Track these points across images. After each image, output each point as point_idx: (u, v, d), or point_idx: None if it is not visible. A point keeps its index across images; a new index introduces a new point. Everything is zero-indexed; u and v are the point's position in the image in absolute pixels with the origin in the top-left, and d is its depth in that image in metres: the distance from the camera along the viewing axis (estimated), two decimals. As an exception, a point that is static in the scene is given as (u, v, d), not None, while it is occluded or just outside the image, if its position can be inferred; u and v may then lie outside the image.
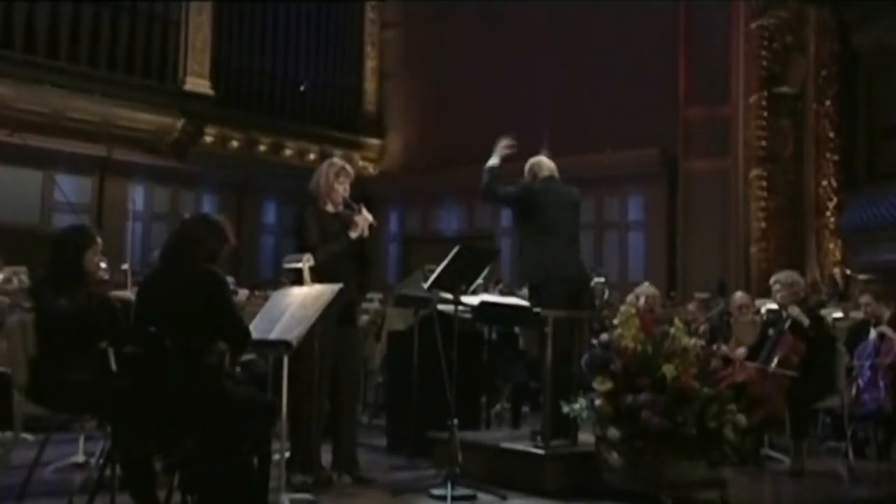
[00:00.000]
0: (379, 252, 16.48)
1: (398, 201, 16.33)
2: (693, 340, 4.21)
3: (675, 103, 13.35)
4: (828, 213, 12.91)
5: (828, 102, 13.11)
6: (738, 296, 6.93)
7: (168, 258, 3.20)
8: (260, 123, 15.53)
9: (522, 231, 5.09)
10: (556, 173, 5.23)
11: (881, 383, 5.97)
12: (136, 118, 13.98)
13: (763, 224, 12.77)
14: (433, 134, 15.89)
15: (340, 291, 3.76)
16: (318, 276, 4.13)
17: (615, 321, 4.39)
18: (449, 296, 4.80)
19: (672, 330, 4.37)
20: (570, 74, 14.10)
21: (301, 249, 4.42)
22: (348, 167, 4.54)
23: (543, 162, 5.30)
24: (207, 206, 15.25)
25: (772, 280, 5.82)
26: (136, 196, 14.56)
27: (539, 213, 4.94)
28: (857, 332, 6.41)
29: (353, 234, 4.41)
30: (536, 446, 4.40)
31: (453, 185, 15.29)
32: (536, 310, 4.45)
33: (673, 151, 13.42)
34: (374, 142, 17.14)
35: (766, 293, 12.25)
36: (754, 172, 12.84)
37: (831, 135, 13.10)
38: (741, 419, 4.15)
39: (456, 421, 4.28)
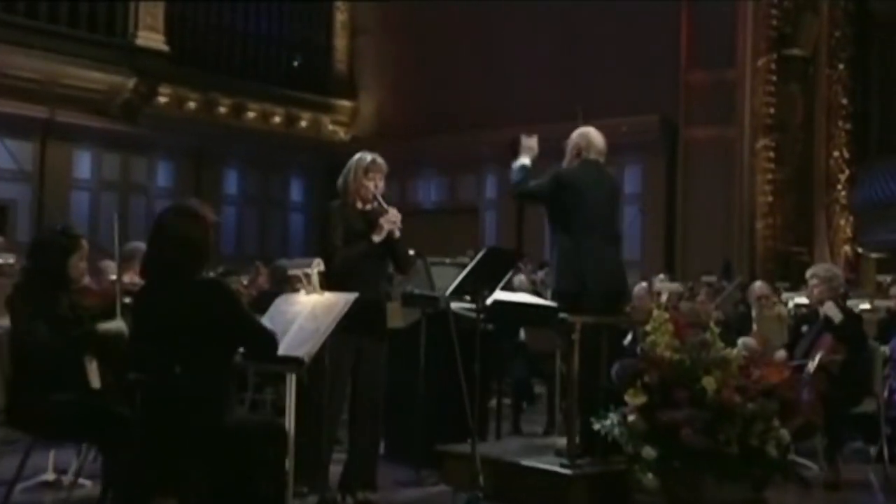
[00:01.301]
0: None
1: (372, 170, 16.15)
2: (735, 350, 4.17)
3: (676, 66, 13.30)
4: (839, 187, 13.00)
5: (841, 67, 13.14)
6: (758, 286, 6.90)
7: (159, 269, 3.05)
8: (219, 83, 15.23)
9: (556, 228, 4.64)
10: (604, 154, 4.75)
11: (915, 383, 5.99)
12: (81, 76, 13.60)
13: (770, 198, 12.83)
14: (411, 96, 15.68)
15: (355, 302, 3.65)
16: (338, 281, 4.03)
17: (647, 327, 4.32)
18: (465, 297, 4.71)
19: (708, 335, 4.32)
20: (562, 35, 13.94)
21: (323, 251, 4.31)
22: (379, 160, 4.42)
23: (593, 138, 4.73)
24: (161, 173, 14.98)
25: (808, 273, 5.78)
26: (82, 163, 14.29)
27: (574, 207, 4.53)
28: (889, 325, 6.43)
29: (377, 238, 4.30)
30: (562, 465, 4.34)
31: (433, 154, 15.17)
32: (563, 315, 4.35)
33: (673, 119, 13.40)
34: (345, 104, 16.91)
35: (771, 275, 12.44)
36: (761, 142, 12.86)
37: (844, 101, 13.16)
38: (785, 435, 4.13)
39: (473, 436, 4.21)
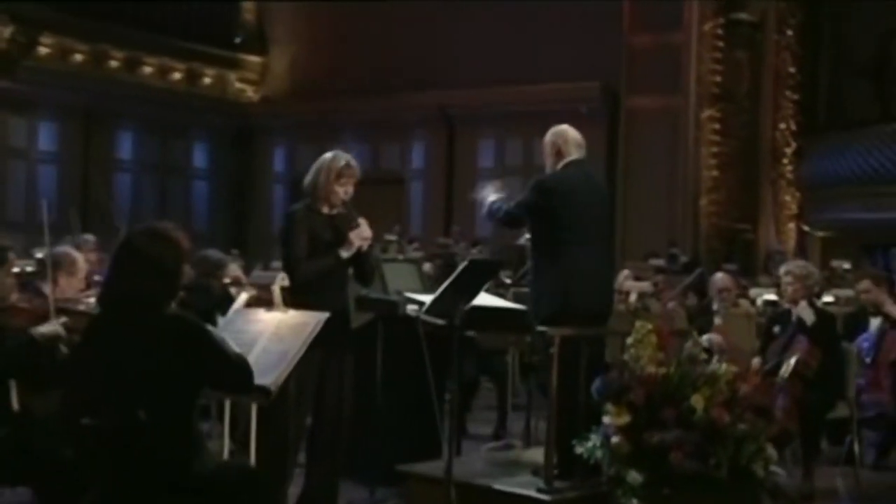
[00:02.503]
0: (262, 197, 16.07)
1: (285, 134, 15.89)
2: (724, 366, 4.24)
3: (618, 29, 13.39)
4: (785, 161, 13.41)
5: (789, 33, 13.49)
6: (720, 278, 6.99)
7: (127, 299, 2.91)
8: (110, 33, 14.69)
9: (540, 241, 4.57)
10: (583, 150, 4.72)
11: (884, 383, 6.22)
12: (-52, 24, 12.92)
13: (715, 172, 13.14)
14: (329, 52, 15.37)
15: (327, 322, 3.58)
16: (302, 294, 3.96)
17: (629, 340, 4.35)
18: (422, 299, 4.67)
19: (691, 346, 4.39)
20: (498, -9, 13.89)
21: (285, 261, 4.25)
22: (353, 163, 4.36)
23: (569, 133, 4.70)
24: (44, 136, 14.41)
25: (782, 270, 5.90)
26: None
27: (563, 215, 4.45)
28: (854, 322, 6.64)
29: (345, 254, 4.26)
30: (539, 489, 4.36)
31: (354, 118, 14.99)
32: (541, 329, 4.35)
33: (615, 86, 13.52)
34: (254, 60, 16.55)
35: (716, 254, 12.78)
36: (707, 112, 13.14)
37: (791, 70, 13.53)
38: (773, 454, 4.23)
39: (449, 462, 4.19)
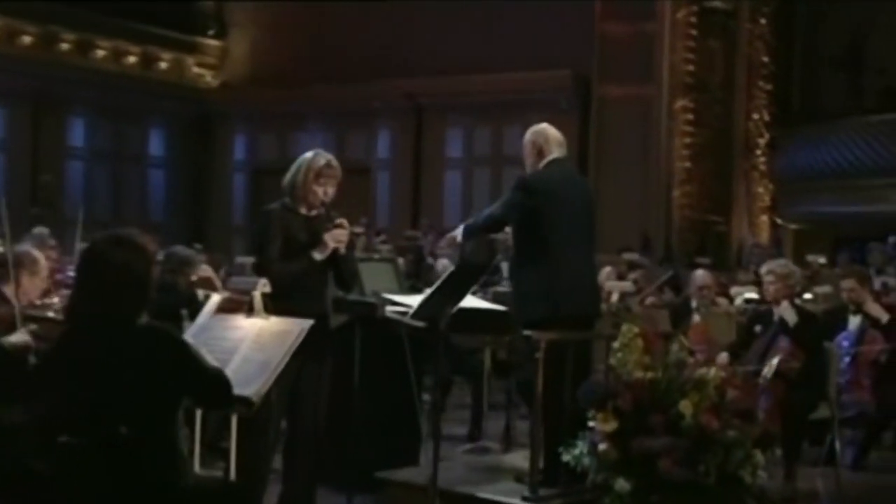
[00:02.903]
0: (222, 186, 15.93)
1: (246, 121, 15.76)
2: (712, 370, 4.29)
3: (590, 17, 13.43)
4: (758, 152, 13.55)
5: (763, 22, 13.62)
6: (700, 275, 7.07)
7: (96, 310, 2.86)
8: (61, 15, 14.43)
9: (521, 240, 4.59)
10: (564, 148, 4.73)
11: (864, 382, 6.33)
12: None
13: (688, 164, 13.25)
14: (292, 37, 15.25)
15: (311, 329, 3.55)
16: (279, 295, 3.94)
17: (615, 344, 4.39)
18: (401, 301, 4.67)
19: (676, 349, 4.43)
20: (469, -22, 13.87)
21: (257, 263, 4.19)
22: (335, 163, 4.34)
23: (549, 132, 4.71)
24: (-9, 122, 14.15)
25: (763, 269, 5.97)
26: None
27: (548, 216, 4.47)
28: (834, 319, 6.73)
29: (319, 256, 4.23)
30: (524, 497, 4.39)
31: (318, 105, 14.91)
32: (527, 333, 4.36)
33: (587, 74, 13.57)
34: (214, 43, 16.38)
35: (689, 246, 12.90)
36: (680, 103, 13.23)
37: (765, 59, 13.67)
38: (760, 459, 4.29)
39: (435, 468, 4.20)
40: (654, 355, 4.39)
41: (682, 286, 8.44)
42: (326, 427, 4.68)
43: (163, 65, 15.87)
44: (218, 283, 6.02)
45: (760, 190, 13.58)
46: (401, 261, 7.83)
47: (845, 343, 6.45)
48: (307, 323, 3.58)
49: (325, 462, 5.09)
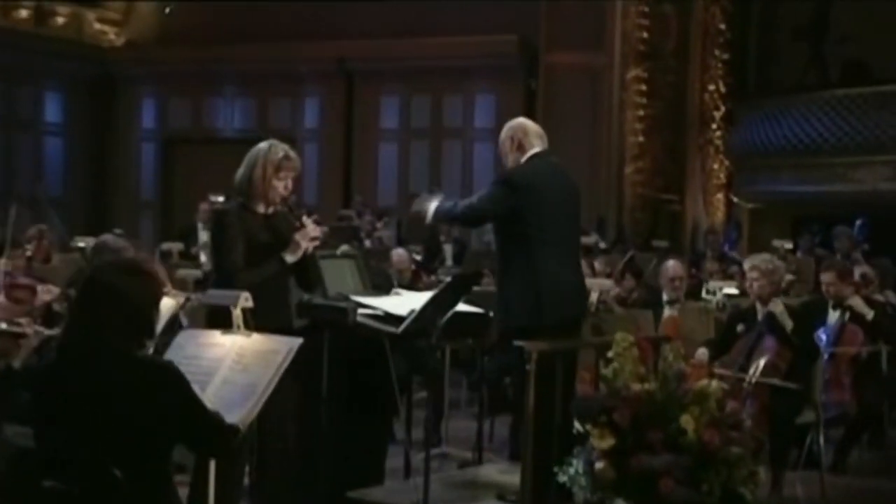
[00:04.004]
0: (127, 156, 15.59)
1: (154, 84, 15.43)
2: (714, 382, 4.36)
3: (538, -24, 13.47)
4: (714, 126, 13.79)
5: (720, -16, 13.84)
6: (672, 265, 7.16)
7: (94, 341, 2.80)
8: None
9: (504, 240, 4.65)
10: (545, 141, 4.79)
11: (844, 381, 6.54)
12: None
13: (640, 138, 13.41)
14: (207, -9, 14.94)
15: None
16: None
17: (609, 353, 4.43)
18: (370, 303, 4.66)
19: (671, 357, 4.50)
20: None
21: (218, 269, 4.14)
22: (293, 154, 4.31)
23: (529, 127, 4.82)
24: None
25: (746, 265, 6.09)
26: None
27: (531, 214, 4.54)
28: (811, 315, 6.92)
29: (291, 259, 4.19)
30: (511, 519, 4.43)
31: (237, 68, 14.69)
32: (519, 343, 4.38)
33: (534, 41, 13.60)
34: (117, -2, 15.94)
35: (641, 226, 13.08)
36: (632, 72, 13.38)
37: (722, 27, 13.88)
38: (762, 476, 4.41)
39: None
40: (647, 364, 4.46)
41: (640, 272, 8.57)
42: (295, 444, 4.66)
43: (59, 20, 15.38)
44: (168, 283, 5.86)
45: (716, 167, 13.84)
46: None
47: (823, 337, 6.63)
48: (295, 342, 3.53)
49: (295, 481, 5.08)
